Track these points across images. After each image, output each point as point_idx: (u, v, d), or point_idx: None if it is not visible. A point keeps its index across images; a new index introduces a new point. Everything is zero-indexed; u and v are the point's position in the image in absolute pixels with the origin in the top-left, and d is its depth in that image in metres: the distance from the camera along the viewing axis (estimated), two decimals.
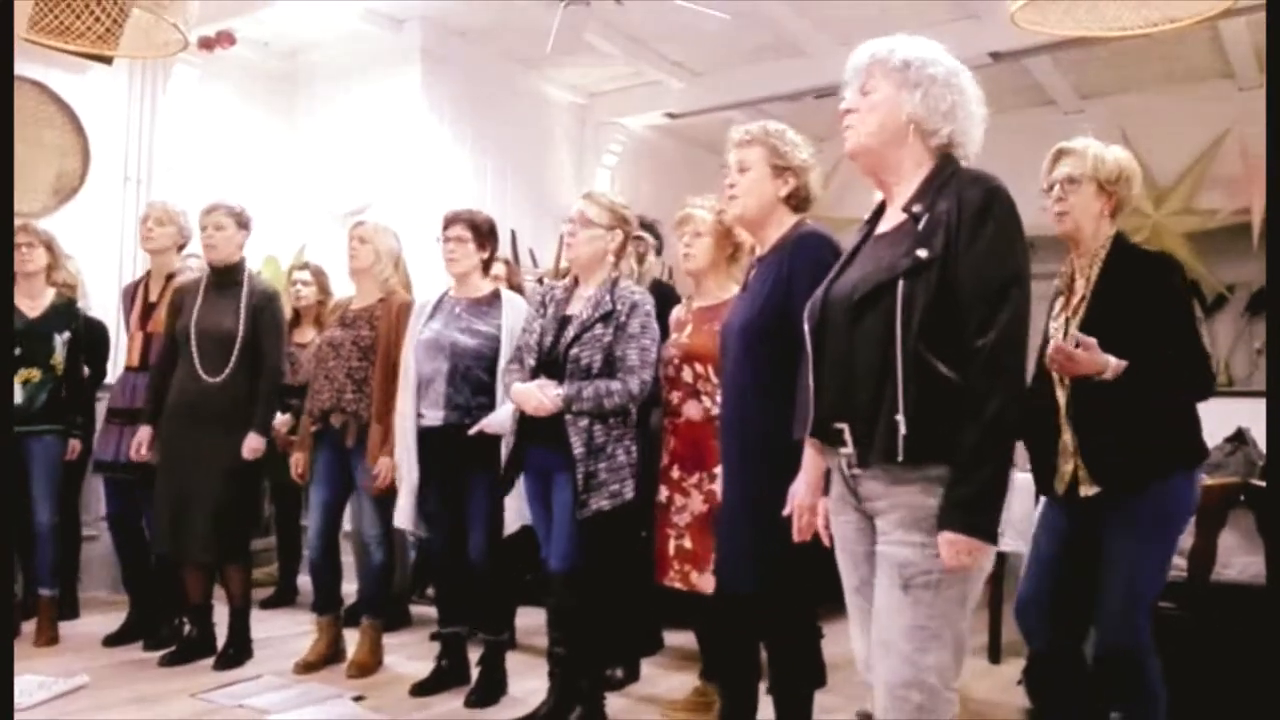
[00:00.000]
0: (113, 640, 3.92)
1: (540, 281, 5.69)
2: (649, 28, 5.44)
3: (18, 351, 3.93)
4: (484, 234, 3.45)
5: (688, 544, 2.87)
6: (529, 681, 3.42)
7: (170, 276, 4.05)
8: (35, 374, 3.95)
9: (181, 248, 4.12)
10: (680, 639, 3.82)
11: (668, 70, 5.93)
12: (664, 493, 2.96)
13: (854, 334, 1.77)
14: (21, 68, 4.69)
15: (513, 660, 3.47)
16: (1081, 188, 2.39)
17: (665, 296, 3.71)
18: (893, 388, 1.69)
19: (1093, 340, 2.18)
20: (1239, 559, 2.86)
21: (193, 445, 3.58)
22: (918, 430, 1.67)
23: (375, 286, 3.68)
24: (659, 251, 4.22)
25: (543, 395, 2.88)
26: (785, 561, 2.16)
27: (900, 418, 1.68)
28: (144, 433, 3.68)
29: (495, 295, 3.44)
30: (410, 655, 3.85)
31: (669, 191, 6.98)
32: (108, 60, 4.82)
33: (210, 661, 3.66)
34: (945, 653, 1.71)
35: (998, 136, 6.36)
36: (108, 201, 5.07)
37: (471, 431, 3.22)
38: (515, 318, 3.35)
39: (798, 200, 2.45)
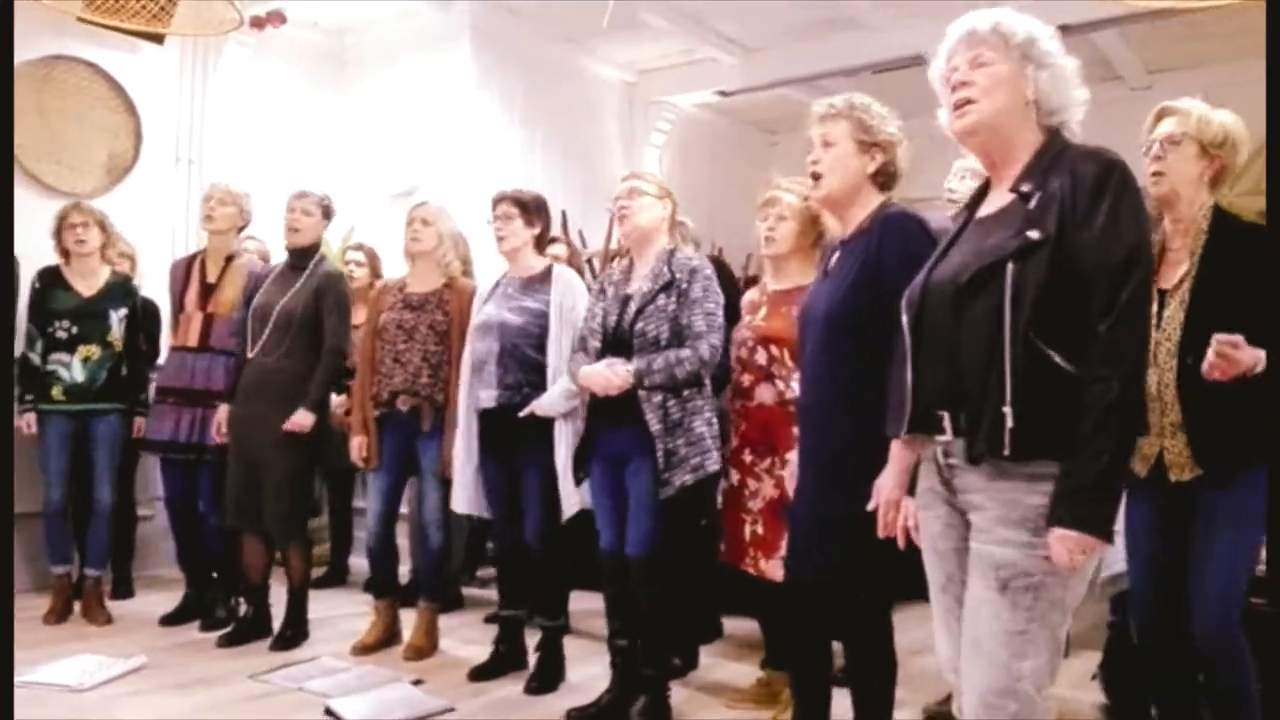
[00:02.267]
0: (169, 620, 3.93)
1: (589, 262, 5.62)
2: (703, 3, 5.32)
3: (75, 330, 3.95)
4: (531, 210, 3.38)
5: (760, 529, 2.78)
6: (586, 667, 3.37)
7: (230, 258, 4.02)
8: (94, 351, 3.95)
9: (241, 229, 4.09)
10: (738, 626, 3.75)
11: (721, 46, 5.80)
12: (735, 476, 2.88)
13: (959, 321, 1.66)
14: (74, 47, 4.69)
15: (569, 645, 3.41)
16: (1182, 148, 2.26)
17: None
18: (1000, 376, 1.58)
19: (1239, 338, 2.03)
20: None
21: (257, 422, 3.57)
22: (1027, 422, 1.56)
23: (436, 269, 3.61)
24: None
25: (611, 374, 2.80)
26: (860, 552, 2.07)
27: (1008, 409, 1.57)
28: (222, 412, 3.68)
29: (548, 272, 3.37)
30: (465, 638, 3.80)
31: (719, 170, 6.91)
32: (159, 39, 4.80)
33: (267, 642, 3.64)
34: (1042, 658, 1.61)
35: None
36: (160, 182, 5.05)
37: (521, 414, 3.16)
38: (566, 293, 3.28)
39: (885, 177, 2.31)
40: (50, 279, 4.00)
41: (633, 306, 2.87)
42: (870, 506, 1.97)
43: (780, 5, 5.24)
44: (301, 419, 3.57)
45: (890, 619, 2.41)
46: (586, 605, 3.71)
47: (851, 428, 2.11)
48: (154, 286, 4.64)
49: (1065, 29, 4.96)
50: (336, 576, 4.78)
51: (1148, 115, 2.37)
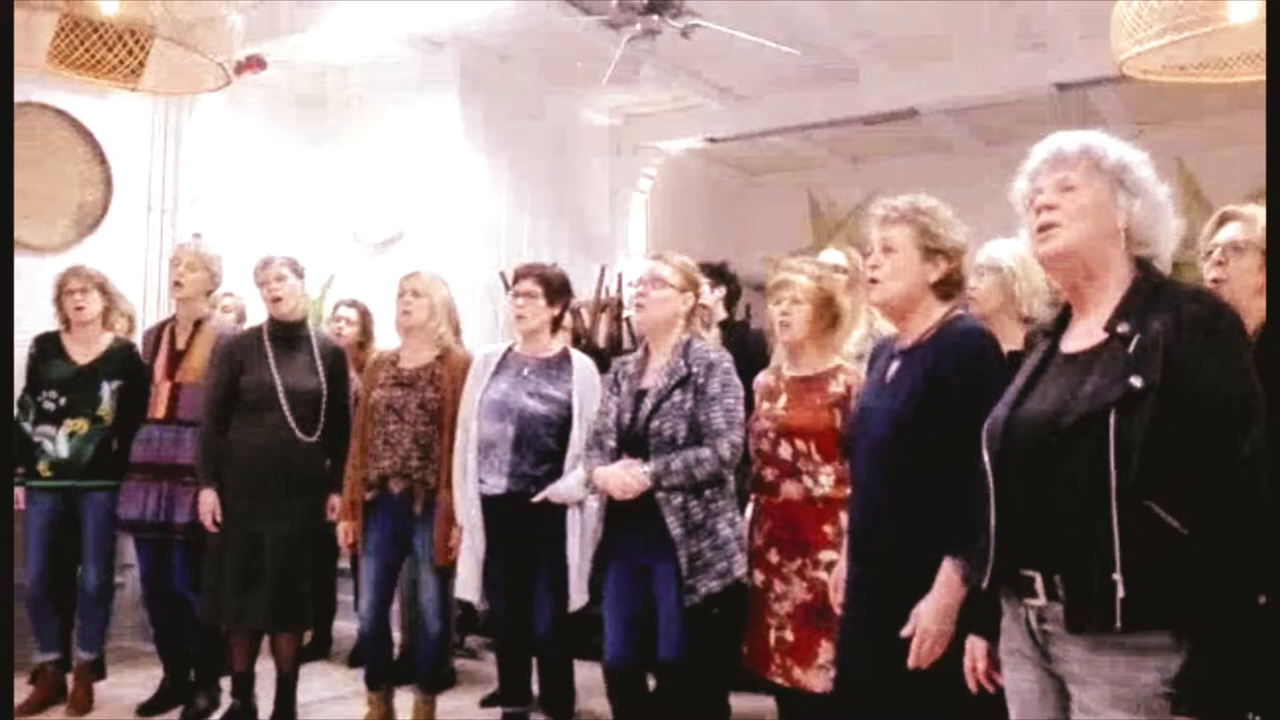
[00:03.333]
0: (147, 710, 3.71)
1: (577, 313, 5.49)
2: (695, 53, 5.23)
3: (62, 401, 3.74)
4: (555, 290, 3.26)
5: (789, 636, 2.66)
6: None
7: (199, 323, 3.83)
8: (82, 425, 3.73)
9: (209, 293, 3.90)
10: (743, 704, 3.61)
11: (710, 94, 5.72)
12: (759, 577, 2.76)
13: (1053, 473, 1.53)
14: (42, 94, 4.48)
15: None
16: (1245, 256, 2.17)
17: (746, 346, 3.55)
18: (1107, 540, 1.45)
19: None
20: None
21: (275, 507, 3.38)
22: (1139, 591, 1.44)
23: (429, 342, 3.46)
24: (736, 296, 4.03)
25: (628, 475, 2.68)
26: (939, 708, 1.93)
27: (1118, 576, 1.44)
28: (211, 498, 3.43)
29: (565, 356, 3.25)
30: None
31: (700, 213, 6.84)
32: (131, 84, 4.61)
33: None
34: None
35: None
36: (131, 232, 4.85)
37: (535, 499, 3.04)
38: (586, 380, 3.18)
39: (949, 286, 2.17)
40: (47, 346, 3.80)
41: (648, 404, 2.75)
42: (905, 632, 1.88)
43: (771, 55, 5.17)
44: (336, 503, 3.46)
45: None
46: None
47: (909, 560, 1.98)
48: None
49: (1062, 86, 4.97)
50: (320, 647, 4.58)
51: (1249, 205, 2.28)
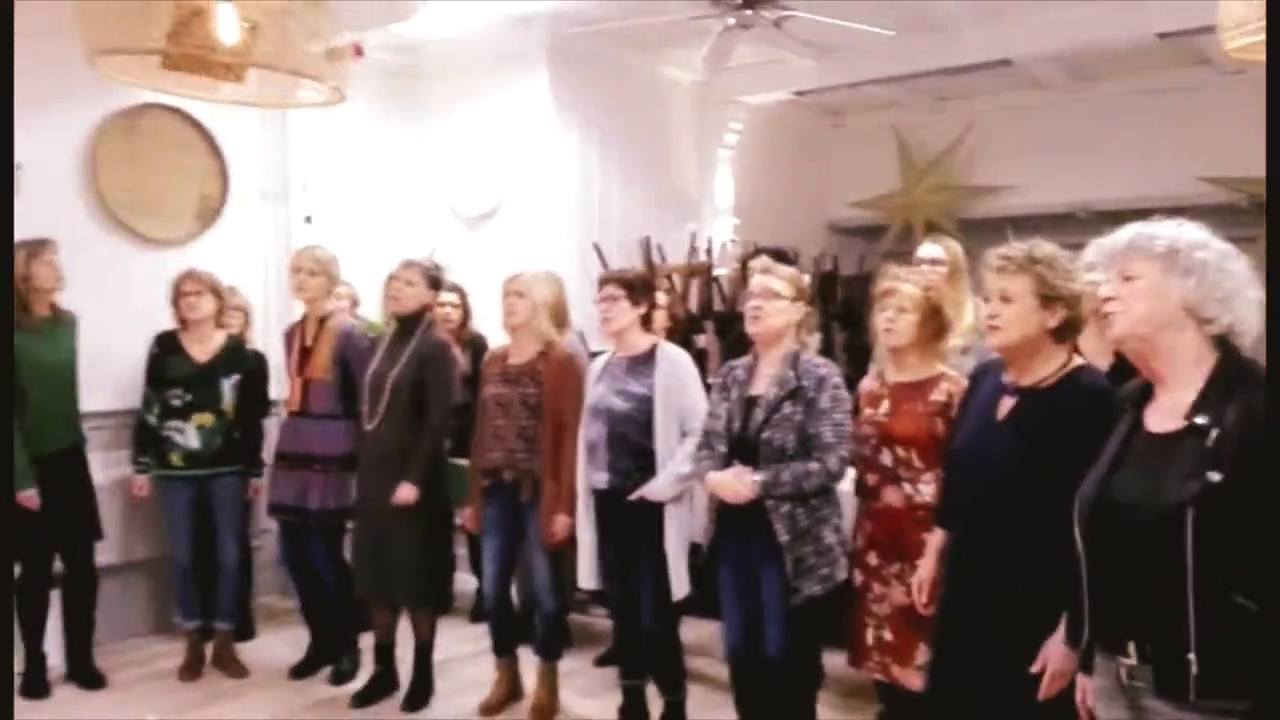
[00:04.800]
0: (299, 672, 4.11)
1: (669, 278, 5.60)
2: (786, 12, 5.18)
3: (189, 398, 4.06)
4: (637, 290, 3.41)
5: (888, 636, 2.85)
6: None
7: (323, 320, 4.09)
8: (208, 419, 4.07)
9: (330, 293, 4.14)
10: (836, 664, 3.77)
11: (796, 50, 5.66)
12: (859, 578, 2.94)
13: (1137, 553, 1.68)
14: (154, 95, 4.68)
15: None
16: None
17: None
18: (1183, 620, 1.61)
19: None
20: None
21: (378, 494, 3.68)
22: (1210, 667, 1.60)
23: (533, 339, 3.66)
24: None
25: (739, 484, 2.85)
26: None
27: (1192, 655, 1.60)
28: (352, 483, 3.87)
29: (652, 351, 3.40)
30: (582, 689, 3.96)
31: (784, 160, 6.80)
32: (239, 77, 4.78)
33: (397, 701, 3.82)
34: None
35: (1151, 98, 5.90)
36: (248, 221, 5.10)
37: (632, 498, 3.24)
38: (670, 374, 3.32)
39: (1067, 330, 2.26)
40: (167, 345, 4.12)
41: (759, 414, 2.90)
42: (1035, 668, 2.03)
43: (859, 7, 5.09)
44: (405, 494, 3.64)
45: None
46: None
47: (1042, 578, 2.08)
48: (259, 333, 4.75)
49: (1164, 35, 4.80)
50: (482, 609, 4.87)
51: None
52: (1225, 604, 1.59)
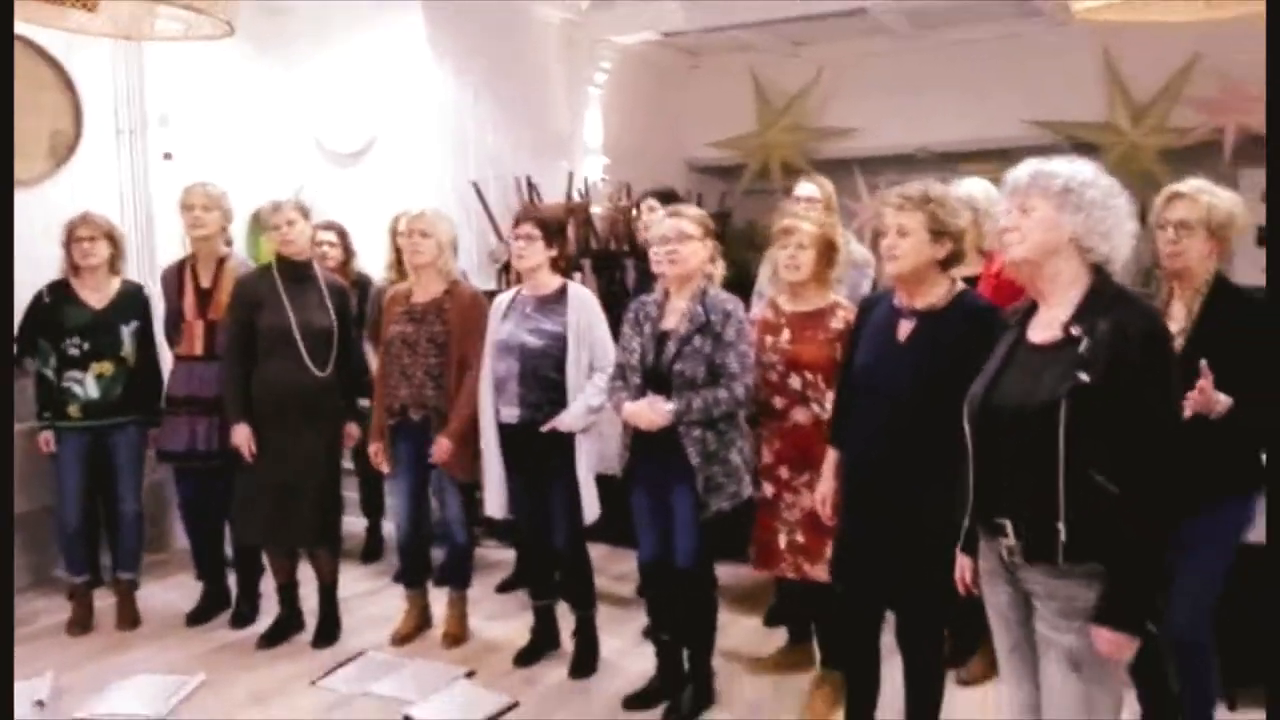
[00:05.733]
0: (195, 619, 4.08)
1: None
2: None
3: (86, 346, 3.90)
4: (552, 231, 3.51)
5: (800, 538, 3.13)
6: (612, 640, 3.74)
7: (221, 261, 3.99)
8: (107, 367, 3.92)
9: (224, 230, 4.04)
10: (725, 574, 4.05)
11: None
12: (769, 490, 3.21)
13: (1017, 444, 1.98)
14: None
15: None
16: (1194, 232, 2.59)
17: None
18: (1054, 497, 1.92)
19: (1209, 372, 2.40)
20: None
21: (297, 436, 3.68)
22: (1076, 536, 1.92)
23: (438, 277, 3.72)
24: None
25: (653, 412, 3.05)
26: (939, 594, 2.41)
27: (1061, 525, 1.92)
28: (245, 431, 3.70)
29: (562, 291, 3.52)
30: (489, 614, 4.13)
31: (645, 101, 6.94)
32: (91, 6, 4.50)
33: (304, 638, 3.87)
34: (1109, 713, 2.03)
35: (987, 46, 6.49)
36: (103, 158, 4.83)
37: (544, 429, 3.39)
38: (581, 312, 3.46)
39: (951, 262, 2.57)
40: (59, 293, 3.92)
41: (671, 347, 3.08)
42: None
43: None
44: (356, 431, 3.92)
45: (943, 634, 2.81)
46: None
47: (937, 493, 2.38)
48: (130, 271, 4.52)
49: None
50: (373, 550, 4.94)
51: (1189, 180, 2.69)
52: (1089, 484, 1.91)
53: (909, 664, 2.70)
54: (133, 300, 4.01)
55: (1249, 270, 5.55)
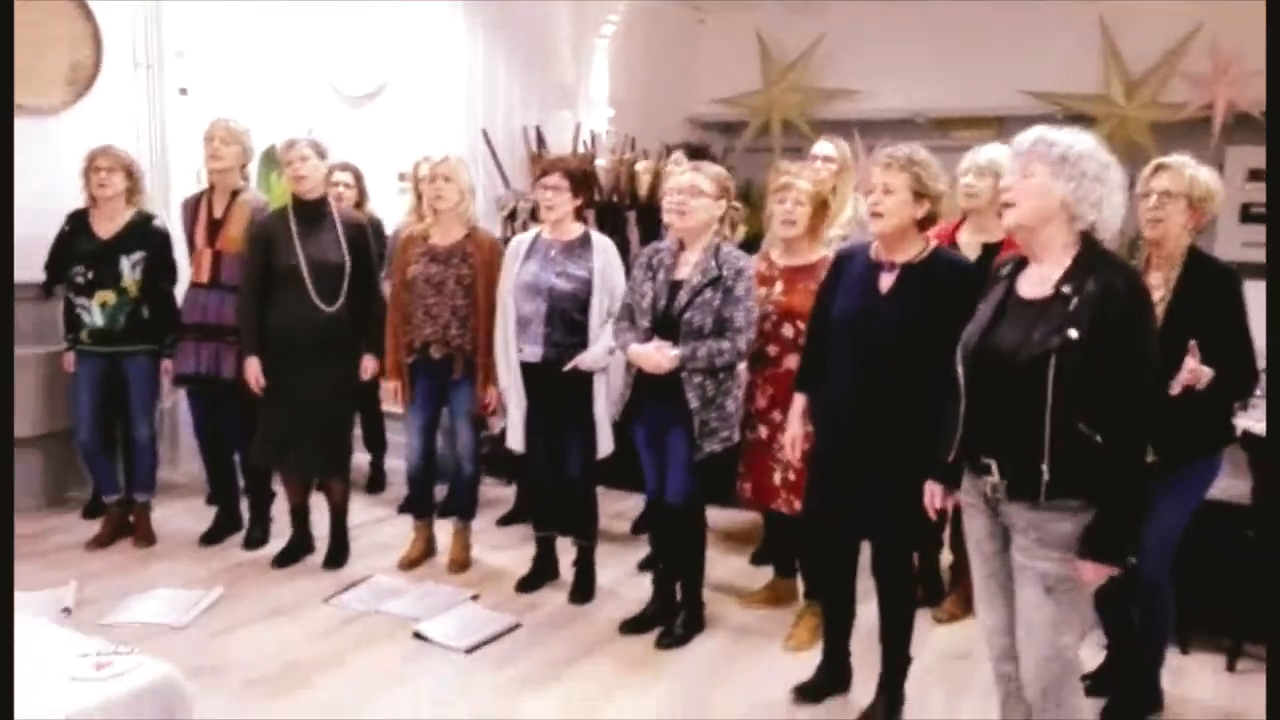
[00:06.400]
0: (209, 539, 4.26)
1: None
2: None
3: (90, 275, 4.03)
4: (578, 181, 3.65)
5: (792, 476, 3.34)
6: (608, 571, 3.95)
7: (235, 193, 4.12)
8: (109, 297, 4.05)
9: (244, 166, 4.16)
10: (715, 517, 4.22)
11: None
12: (764, 432, 3.41)
13: (1008, 390, 2.17)
14: None
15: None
16: (1176, 202, 2.77)
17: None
18: (1039, 441, 2.12)
19: (1196, 364, 2.61)
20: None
21: (309, 370, 3.82)
22: (1057, 477, 2.12)
23: (458, 222, 3.86)
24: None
25: (660, 356, 3.22)
26: (914, 522, 2.64)
27: (1045, 466, 2.12)
28: (255, 365, 3.86)
29: (586, 238, 3.68)
30: (491, 544, 4.34)
31: (653, 54, 7.02)
32: None
33: (316, 560, 4.07)
34: (1075, 633, 2.26)
35: (987, 15, 6.59)
36: (121, 90, 4.91)
37: (566, 368, 3.57)
38: (605, 260, 3.63)
39: (927, 222, 2.77)
40: (77, 222, 4.07)
41: (683, 297, 3.25)
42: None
43: None
44: (373, 365, 3.97)
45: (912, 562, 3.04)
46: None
47: (912, 430, 2.62)
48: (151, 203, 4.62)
49: None
50: (377, 484, 5.10)
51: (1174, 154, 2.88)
52: (1072, 430, 2.10)
53: (882, 591, 2.92)
54: (139, 232, 4.10)
55: (1230, 246, 5.82)
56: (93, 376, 4.09)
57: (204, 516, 4.43)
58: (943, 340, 2.37)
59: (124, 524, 4.26)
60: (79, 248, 4.02)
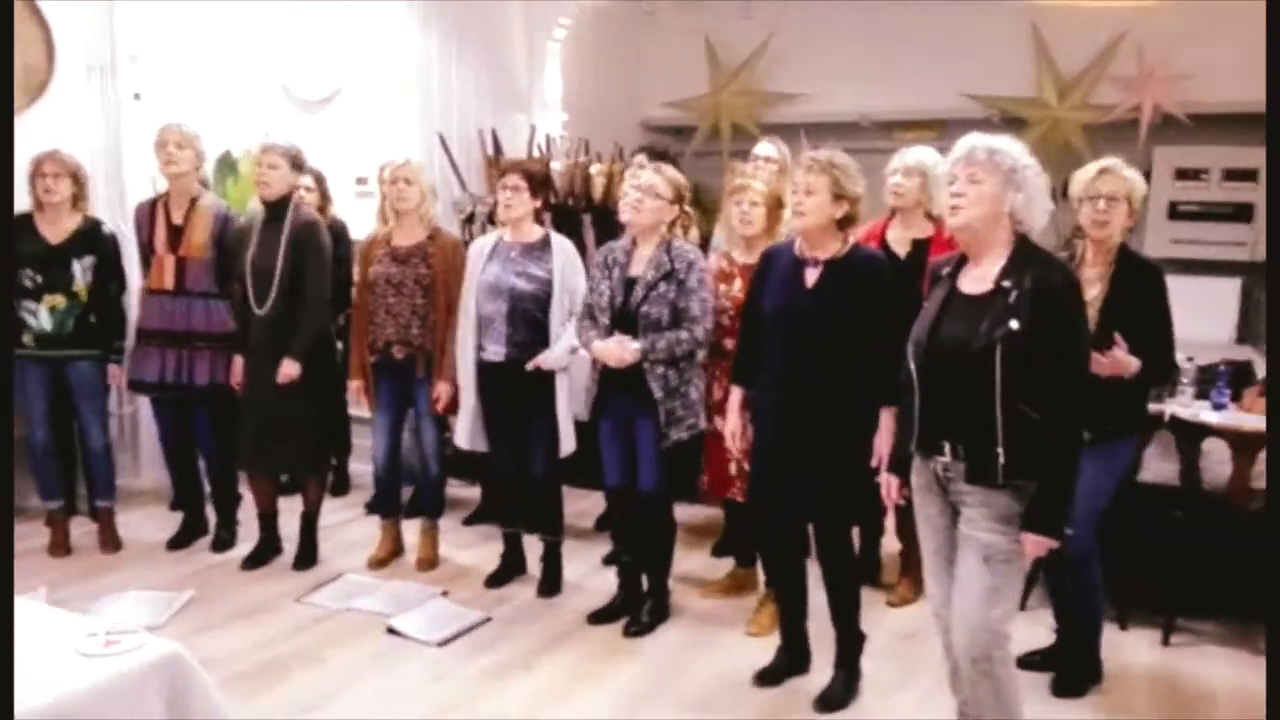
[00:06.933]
0: (175, 544, 4.28)
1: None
2: None
3: (39, 279, 4.01)
4: (537, 183, 3.76)
5: (746, 466, 3.47)
6: (574, 566, 4.06)
7: (194, 200, 4.14)
8: (59, 300, 4.03)
9: (198, 169, 4.18)
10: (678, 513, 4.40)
11: None
12: (720, 423, 3.53)
13: (959, 380, 2.34)
14: None
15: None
16: (1119, 205, 2.98)
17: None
18: (992, 426, 2.29)
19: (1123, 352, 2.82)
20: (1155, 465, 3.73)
21: (264, 371, 3.87)
22: (1012, 459, 2.29)
23: (419, 223, 3.94)
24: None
25: (622, 350, 3.35)
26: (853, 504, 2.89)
27: (1000, 450, 2.29)
28: (237, 363, 3.97)
29: (546, 240, 3.79)
30: (457, 543, 4.42)
31: (605, 50, 7.11)
32: None
33: (284, 562, 4.12)
34: (1008, 605, 2.42)
35: (928, 20, 6.85)
36: (75, 96, 4.88)
37: (529, 367, 3.67)
38: (565, 261, 3.74)
39: (845, 222, 2.97)
40: (22, 225, 4.02)
41: (639, 292, 3.38)
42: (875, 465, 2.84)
43: None
44: (288, 369, 3.84)
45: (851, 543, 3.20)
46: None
47: (855, 420, 2.87)
48: (99, 208, 4.61)
49: None
50: (341, 487, 5.12)
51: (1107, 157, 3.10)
52: (1018, 413, 2.27)
53: (826, 571, 3.09)
54: (89, 236, 4.08)
55: (1158, 243, 6.11)
56: (40, 381, 4.05)
57: (167, 522, 4.45)
58: (864, 330, 2.63)
59: (66, 531, 4.22)
60: (25, 250, 3.98)
